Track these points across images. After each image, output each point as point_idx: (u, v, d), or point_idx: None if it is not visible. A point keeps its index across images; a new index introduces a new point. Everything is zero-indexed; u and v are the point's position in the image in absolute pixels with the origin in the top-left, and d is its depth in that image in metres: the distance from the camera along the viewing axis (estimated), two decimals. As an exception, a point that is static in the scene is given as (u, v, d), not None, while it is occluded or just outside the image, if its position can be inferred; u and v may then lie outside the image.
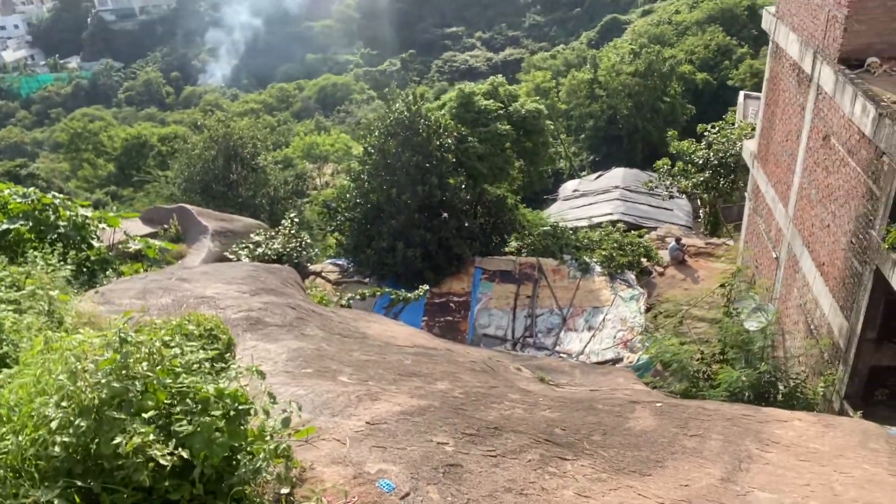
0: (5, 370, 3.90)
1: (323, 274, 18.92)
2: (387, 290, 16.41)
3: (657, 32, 55.44)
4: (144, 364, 3.39)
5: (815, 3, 13.20)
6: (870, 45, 11.94)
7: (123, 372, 3.32)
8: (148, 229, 18.15)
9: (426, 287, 16.48)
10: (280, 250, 13.13)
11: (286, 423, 3.64)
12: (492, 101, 22.50)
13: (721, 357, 12.51)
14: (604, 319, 17.68)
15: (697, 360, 12.78)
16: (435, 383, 7.48)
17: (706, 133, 25.00)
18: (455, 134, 20.58)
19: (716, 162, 24.08)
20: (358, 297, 14.61)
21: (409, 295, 16.04)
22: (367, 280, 18.28)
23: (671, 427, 6.53)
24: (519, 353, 16.20)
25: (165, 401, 3.39)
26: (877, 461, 5.93)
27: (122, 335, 3.43)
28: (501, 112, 22.37)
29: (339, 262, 20.41)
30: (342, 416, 4.92)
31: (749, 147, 18.84)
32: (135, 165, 47.02)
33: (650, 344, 13.67)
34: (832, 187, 12.31)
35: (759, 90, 34.59)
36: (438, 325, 18.44)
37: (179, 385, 3.49)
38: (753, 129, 22.40)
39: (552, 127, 28.16)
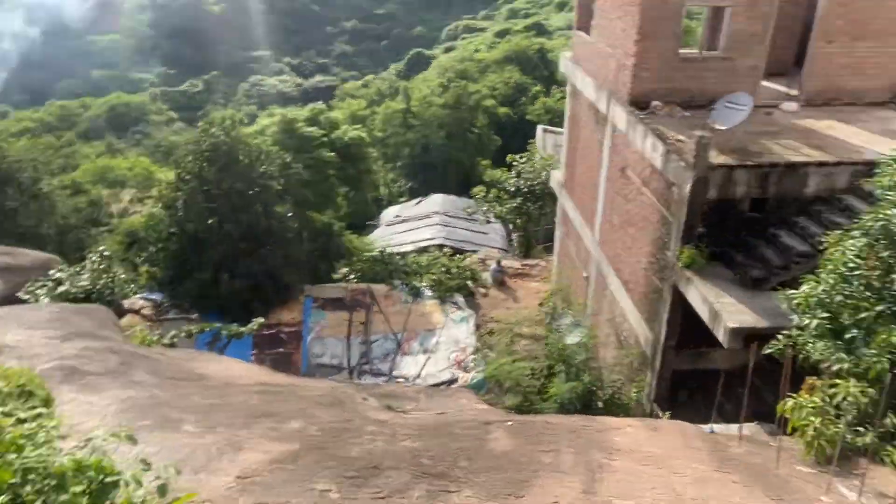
0: None
1: (139, 311, 17.05)
2: (216, 325, 15.23)
3: (462, 68, 58.73)
4: (-20, 441, 2.80)
5: (607, 52, 14.83)
6: (653, 89, 13.73)
7: (-46, 454, 2.71)
8: None
9: (260, 320, 15.62)
10: (88, 287, 11.56)
11: (163, 491, 3.21)
12: (315, 127, 22.20)
13: (549, 371, 13.40)
14: (437, 342, 18.10)
15: (528, 375, 13.56)
16: (288, 422, 7.11)
17: (515, 162, 26.88)
18: (279, 161, 19.94)
19: (525, 189, 25.94)
20: (184, 334, 13.36)
21: (242, 329, 15.07)
22: (192, 316, 16.81)
23: (526, 445, 6.85)
24: (358, 380, 15.94)
25: (11, 480, 2.83)
26: (701, 459, 6.72)
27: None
28: (325, 139, 22.16)
29: (153, 297, 18.58)
30: (206, 472, 4.46)
31: (556, 177, 20.56)
32: None
33: (485, 364, 14.25)
34: (631, 213, 13.84)
35: (555, 125, 37.98)
36: (270, 358, 17.55)
37: (24, 459, 2.94)
38: (557, 160, 24.54)
39: (374, 154, 28.47)
